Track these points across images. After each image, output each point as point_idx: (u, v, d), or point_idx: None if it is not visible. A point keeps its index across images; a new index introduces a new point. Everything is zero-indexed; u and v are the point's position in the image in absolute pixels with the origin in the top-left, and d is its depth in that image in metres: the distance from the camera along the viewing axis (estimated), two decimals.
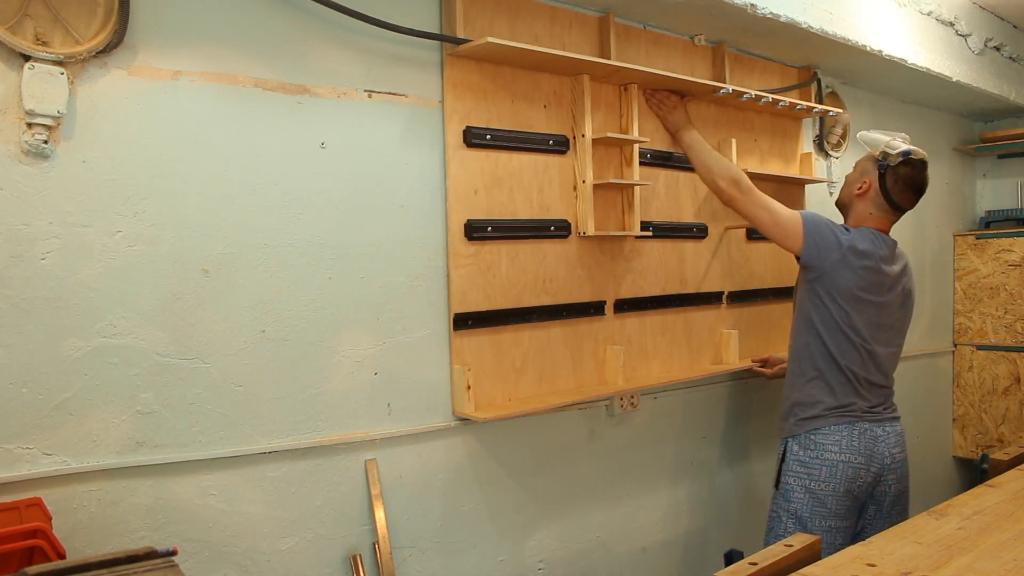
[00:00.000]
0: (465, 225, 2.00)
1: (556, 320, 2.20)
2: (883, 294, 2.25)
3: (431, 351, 1.97)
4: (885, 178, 2.26)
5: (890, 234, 2.33)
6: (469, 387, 1.97)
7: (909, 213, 3.95)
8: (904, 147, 2.25)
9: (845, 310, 2.21)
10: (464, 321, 2.00)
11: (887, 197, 2.27)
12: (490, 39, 1.87)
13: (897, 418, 2.35)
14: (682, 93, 2.48)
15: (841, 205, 2.41)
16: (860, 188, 2.31)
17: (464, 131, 2.00)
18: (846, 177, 2.41)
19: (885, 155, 2.26)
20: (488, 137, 2.04)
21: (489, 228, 2.05)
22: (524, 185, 2.13)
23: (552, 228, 2.19)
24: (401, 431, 1.92)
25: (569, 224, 2.23)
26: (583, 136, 2.21)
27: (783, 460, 2.29)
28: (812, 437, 2.24)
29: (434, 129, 1.97)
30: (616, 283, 2.38)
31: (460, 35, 1.96)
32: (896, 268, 2.30)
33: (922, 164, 2.27)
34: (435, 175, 1.98)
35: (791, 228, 2.23)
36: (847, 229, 2.25)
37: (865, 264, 2.20)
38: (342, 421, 1.83)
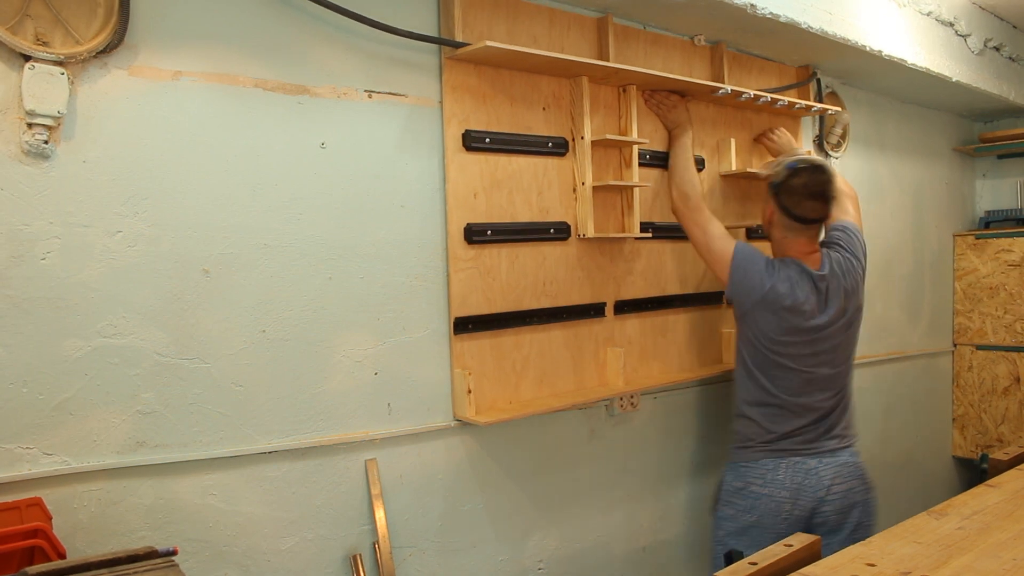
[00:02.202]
0: (465, 229, 2.00)
1: (556, 322, 2.20)
2: (811, 332, 2.18)
3: (431, 351, 1.98)
4: (780, 197, 2.20)
5: (821, 248, 2.26)
6: (470, 391, 1.97)
7: (909, 212, 3.97)
8: (789, 160, 2.22)
9: (773, 349, 2.18)
10: (464, 325, 2.00)
11: (788, 213, 2.19)
12: (488, 43, 1.87)
13: (846, 447, 2.25)
14: (682, 93, 2.46)
15: (767, 237, 2.37)
16: (765, 218, 2.29)
17: (463, 135, 2.00)
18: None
19: (774, 175, 2.23)
20: (487, 140, 2.04)
21: (489, 232, 2.04)
22: (523, 188, 2.13)
23: (552, 230, 2.19)
24: (401, 431, 1.92)
25: (569, 226, 2.23)
26: (582, 138, 2.21)
27: (720, 486, 2.29)
28: (742, 468, 2.23)
29: (434, 129, 1.97)
30: (616, 285, 2.38)
31: (458, 38, 1.95)
32: (831, 296, 2.20)
33: (814, 168, 2.19)
34: (435, 176, 1.98)
35: (720, 258, 2.21)
36: (774, 267, 2.18)
37: (786, 307, 2.15)
38: (342, 421, 1.83)
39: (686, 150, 2.40)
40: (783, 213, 2.20)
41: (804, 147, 3.08)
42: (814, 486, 2.16)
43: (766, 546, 1.81)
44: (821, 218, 2.22)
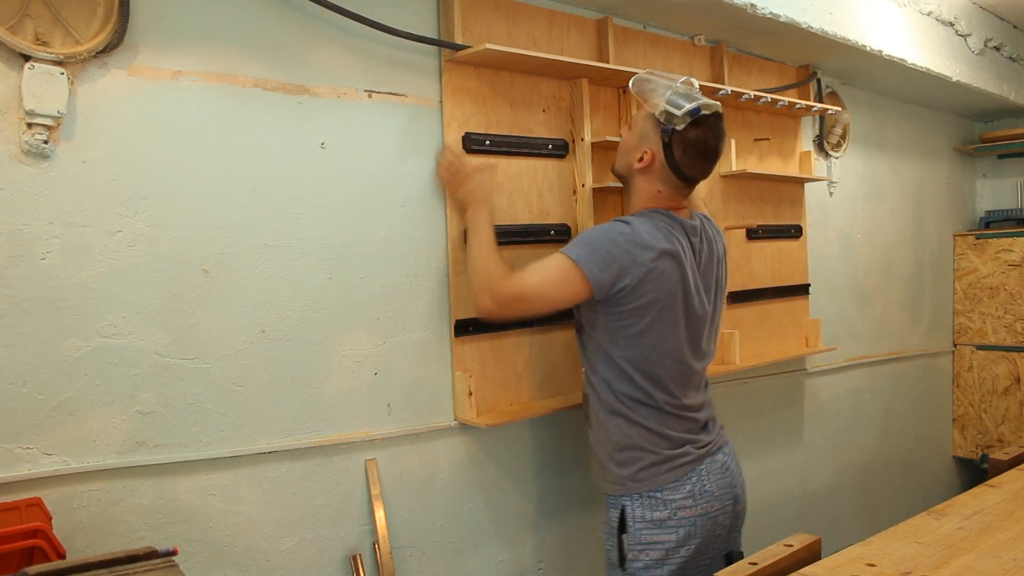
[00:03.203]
0: (465, 231, 2.00)
1: (557, 324, 2.20)
2: (694, 297, 1.78)
3: (431, 351, 1.97)
4: (671, 147, 1.75)
5: (693, 208, 1.90)
6: (471, 393, 1.97)
7: (909, 212, 3.96)
8: (691, 103, 1.72)
9: (657, 330, 1.73)
10: (465, 327, 2.00)
11: (676, 170, 1.77)
12: (488, 46, 1.87)
13: (727, 439, 1.94)
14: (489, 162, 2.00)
15: (619, 176, 1.92)
16: (641, 160, 1.79)
17: (463, 137, 2.00)
18: (622, 138, 1.89)
19: (668, 116, 1.73)
20: (487, 143, 2.04)
21: None
22: (523, 190, 2.13)
23: (552, 232, 2.18)
24: (401, 431, 1.92)
25: (569, 228, 2.23)
26: (582, 140, 2.20)
27: (623, 528, 1.79)
28: (657, 495, 1.77)
29: (434, 129, 1.97)
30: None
31: (458, 39, 1.95)
32: (703, 256, 1.83)
33: (716, 118, 1.77)
34: (435, 174, 1.97)
35: (567, 285, 1.70)
36: (630, 223, 1.72)
37: (664, 250, 1.71)
38: (342, 421, 1.83)
39: (479, 232, 1.83)
40: (668, 165, 1.77)
41: (803, 146, 3.08)
42: (732, 483, 1.85)
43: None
44: (703, 178, 1.84)
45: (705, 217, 1.94)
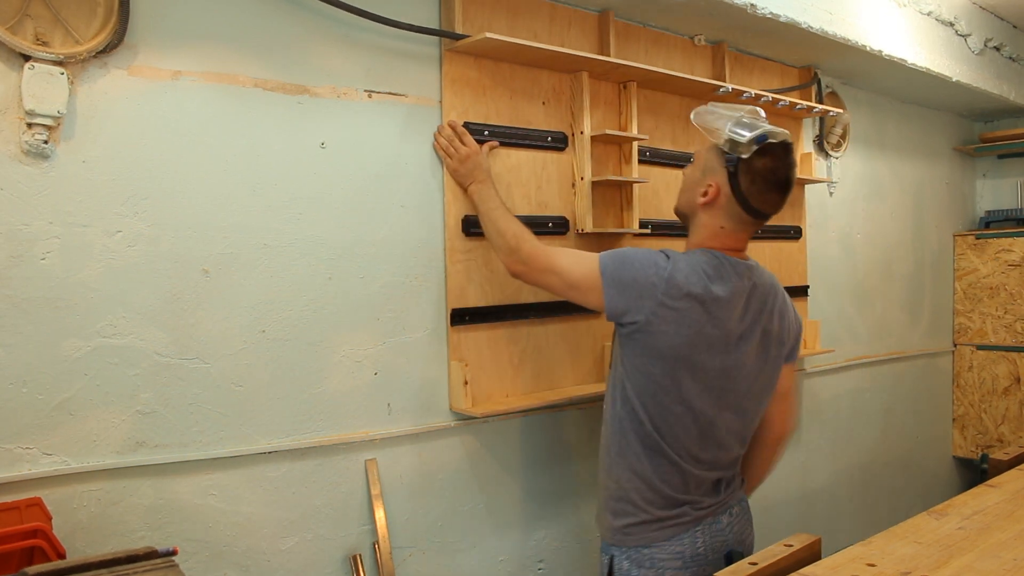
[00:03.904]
0: (463, 220, 2.00)
1: (554, 317, 2.20)
2: (727, 348, 1.64)
3: (431, 351, 1.97)
4: (737, 177, 1.63)
5: (748, 251, 1.73)
6: (466, 383, 1.97)
7: (909, 212, 3.95)
8: (756, 130, 1.61)
9: (672, 376, 1.61)
10: (461, 317, 2.00)
11: (744, 203, 1.64)
12: (488, 35, 1.88)
13: (742, 497, 1.84)
14: (487, 140, 2.03)
15: (681, 215, 1.79)
16: (706, 194, 1.67)
17: (462, 127, 2.00)
18: (684, 175, 1.78)
19: (733, 144, 1.62)
20: (486, 133, 2.04)
21: None
22: (522, 182, 2.13)
23: (550, 224, 2.18)
24: (401, 431, 1.92)
25: (567, 221, 2.23)
26: (582, 133, 2.21)
27: None
28: (645, 552, 1.68)
29: (433, 128, 1.97)
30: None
31: (459, 32, 1.96)
32: (752, 304, 1.67)
33: (784, 149, 1.64)
34: (434, 174, 1.98)
35: (588, 285, 1.66)
36: (668, 258, 1.62)
37: (695, 296, 1.58)
38: (342, 421, 1.83)
39: (490, 200, 1.89)
40: (735, 198, 1.64)
41: (804, 147, 3.08)
42: (729, 542, 1.75)
43: None
44: (773, 215, 1.71)
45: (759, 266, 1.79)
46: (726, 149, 1.64)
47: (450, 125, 1.97)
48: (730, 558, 1.76)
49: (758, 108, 1.69)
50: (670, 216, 2.50)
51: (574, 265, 1.69)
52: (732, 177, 1.63)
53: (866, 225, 3.48)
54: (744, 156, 1.61)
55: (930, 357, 3.94)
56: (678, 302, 1.57)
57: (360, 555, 1.85)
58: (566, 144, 2.23)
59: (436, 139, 1.97)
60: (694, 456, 1.67)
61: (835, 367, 3.31)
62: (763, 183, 1.63)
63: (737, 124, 1.63)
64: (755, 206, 1.65)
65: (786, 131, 1.65)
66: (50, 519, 1.40)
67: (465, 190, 1.97)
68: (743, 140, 1.61)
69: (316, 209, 1.78)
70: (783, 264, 2.96)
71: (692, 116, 1.72)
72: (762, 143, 1.60)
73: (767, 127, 1.62)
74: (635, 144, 2.34)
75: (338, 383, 1.82)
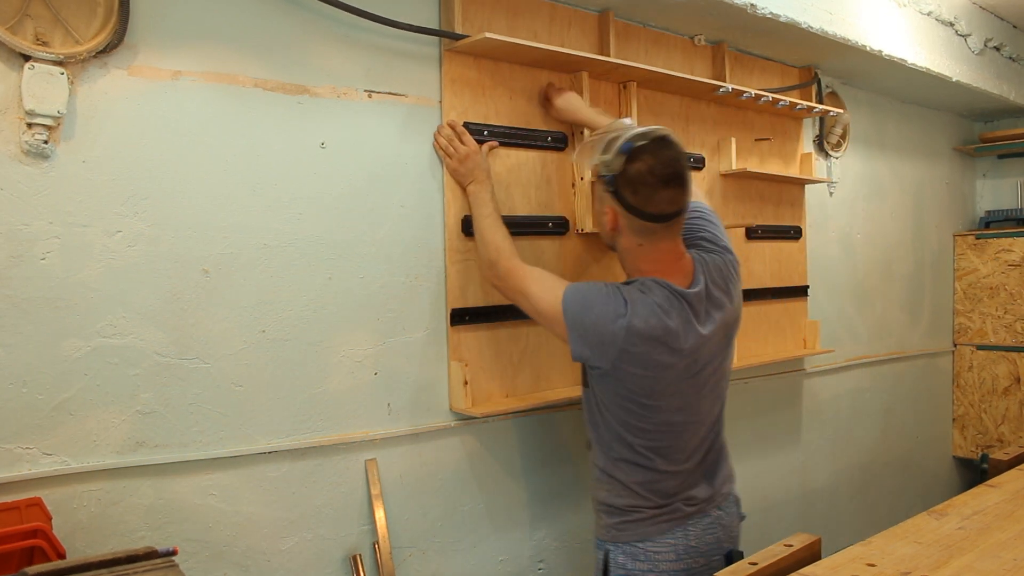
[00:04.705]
0: (462, 221, 2.00)
1: None
2: (695, 362, 1.66)
3: (431, 351, 1.97)
4: (621, 194, 1.62)
5: (688, 251, 1.73)
6: (466, 383, 1.97)
7: (909, 212, 3.95)
8: (616, 142, 1.61)
9: (645, 403, 1.65)
10: (461, 317, 2.00)
11: (639, 213, 1.61)
12: (488, 35, 1.88)
13: (732, 490, 1.85)
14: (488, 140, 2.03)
15: (613, 249, 1.78)
16: (605, 225, 1.70)
17: (462, 126, 2.01)
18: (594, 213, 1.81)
19: (604, 166, 1.63)
20: (486, 133, 2.04)
21: None
22: (522, 182, 2.13)
23: (550, 225, 2.19)
24: (401, 431, 1.92)
25: (567, 221, 2.23)
26: (582, 134, 2.21)
27: (606, 572, 1.77)
28: (639, 546, 1.71)
29: (433, 128, 1.97)
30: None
31: (459, 32, 1.96)
32: (709, 321, 1.68)
33: (658, 141, 1.60)
34: (434, 174, 1.98)
35: (552, 317, 1.66)
36: (629, 298, 1.61)
37: (656, 338, 1.59)
38: (342, 421, 1.83)
39: (483, 205, 1.89)
40: (629, 213, 1.62)
41: (804, 147, 3.08)
42: (722, 538, 1.78)
43: None
44: (681, 209, 1.64)
45: (700, 222, 1.81)
46: (603, 173, 1.64)
47: (450, 124, 1.97)
48: (730, 558, 1.76)
49: (625, 119, 1.71)
50: None
51: (542, 292, 1.70)
52: (616, 195, 1.63)
53: (866, 225, 3.48)
54: (617, 172, 1.60)
55: (930, 357, 3.94)
56: (640, 347, 1.58)
57: (360, 555, 1.85)
58: (566, 144, 2.23)
59: (436, 138, 1.97)
60: (681, 462, 1.71)
61: (835, 367, 3.31)
62: (645, 187, 1.59)
63: (601, 147, 1.63)
64: (651, 211, 1.61)
65: (659, 127, 1.62)
66: (50, 519, 1.41)
67: (464, 189, 1.98)
68: (608, 158, 1.61)
69: (316, 209, 1.78)
70: (783, 264, 2.96)
71: (573, 159, 1.74)
72: (628, 151, 1.58)
73: (630, 133, 1.60)
74: None
75: (338, 383, 1.82)
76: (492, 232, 1.85)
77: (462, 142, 1.96)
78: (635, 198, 1.60)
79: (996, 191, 4.24)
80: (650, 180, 1.58)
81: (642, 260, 1.68)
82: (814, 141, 3.18)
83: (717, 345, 1.71)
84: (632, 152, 1.58)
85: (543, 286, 1.71)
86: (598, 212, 1.73)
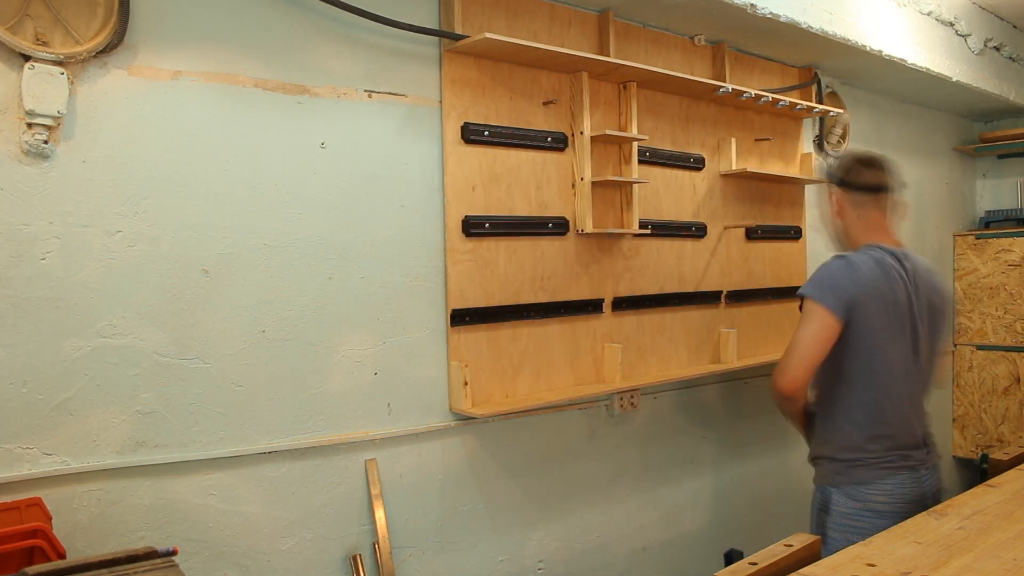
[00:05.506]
0: (463, 221, 2.01)
1: (554, 317, 2.21)
2: (904, 320, 1.98)
3: (431, 351, 1.97)
4: (839, 178, 2.10)
5: (892, 234, 2.11)
6: (466, 383, 1.97)
7: (910, 212, 3.95)
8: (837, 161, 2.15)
9: (875, 353, 1.95)
10: (461, 317, 2.00)
11: (851, 186, 2.07)
12: (488, 35, 1.88)
13: (935, 463, 2.09)
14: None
15: (839, 242, 2.15)
16: (835, 208, 2.12)
17: (462, 127, 2.01)
18: (824, 222, 2.22)
19: (828, 171, 2.15)
20: (486, 133, 2.05)
21: (487, 224, 2.05)
22: (522, 182, 2.13)
23: (550, 225, 2.19)
24: (401, 431, 1.92)
25: (567, 221, 2.23)
26: (582, 133, 2.21)
27: (826, 511, 2.03)
28: (857, 489, 1.98)
29: (433, 128, 1.97)
30: (614, 281, 2.38)
31: (459, 32, 1.96)
32: (918, 281, 2.03)
33: (859, 153, 2.15)
34: (434, 174, 1.98)
35: (824, 324, 1.93)
36: (843, 258, 1.99)
37: (880, 284, 1.95)
38: (342, 421, 1.83)
39: (811, 326, 2.02)
40: (845, 189, 2.09)
41: (804, 147, 3.08)
42: (925, 495, 2.00)
43: None
44: (884, 185, 2.08)
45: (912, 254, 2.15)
46: (827, 180, 2.15)
47: None
48: (730, 558, 1.77)
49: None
50: (670, 216, 2.51)
51: (806, 331, 1.96)
52: (835, 184, 2.12)
53: None
54: (835, 170, 2.12)
55: None
56: (874, 283, 1.95)
57: (360, 555, 1.85)
58: (566, 144, 2.23)
59: None
60: (902, 413, 1.99)
61: None
62: (852, 167, 2.10)
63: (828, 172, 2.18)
64: (860, 181, 2.08)
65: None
66: (50, 519, 1.40)
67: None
68: (832, 164, 2.15)
69: (316, 209, 1.78)
70: (782, 264, 2.96)
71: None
72: (838, 156, 2.08)
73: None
74: (635, 144, 2.34)
75: (338, 383, 1.82)
76: (800, 348, 2.01)
77: None
78: (847, 176, 2.09)
79: (996, 191, 4.24)
80: (853, 163, 2.11)
81: (861, 229, 2.08)
82: (814, 141, 3.17)
83: (923, 311, 2.02)
84: (840, 155, 2.18)
85: (812, 327, 1.95)
86: (826, 210, 2.17)
